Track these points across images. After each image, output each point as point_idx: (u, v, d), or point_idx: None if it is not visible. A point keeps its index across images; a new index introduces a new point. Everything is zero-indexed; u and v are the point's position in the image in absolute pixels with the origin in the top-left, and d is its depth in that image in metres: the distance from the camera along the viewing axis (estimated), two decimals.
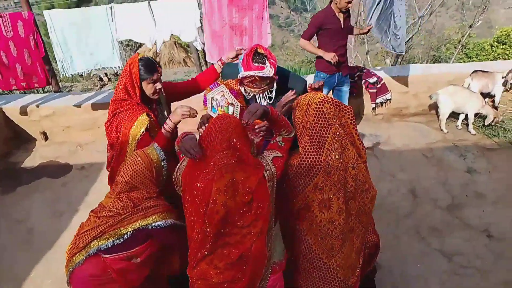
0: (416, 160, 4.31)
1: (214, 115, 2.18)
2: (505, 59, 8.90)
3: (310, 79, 4.67)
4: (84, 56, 4.77)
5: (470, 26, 10.24)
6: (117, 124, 2.36)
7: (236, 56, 2.63)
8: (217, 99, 2.15)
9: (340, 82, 4.30)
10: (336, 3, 3.93)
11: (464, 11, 10.93)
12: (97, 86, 11.32)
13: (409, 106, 5.23)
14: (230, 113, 2.15)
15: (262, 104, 2.46)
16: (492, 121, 4.54)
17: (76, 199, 4.02)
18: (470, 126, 4.68)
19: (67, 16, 4.61)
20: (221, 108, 2.14)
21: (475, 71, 4.83)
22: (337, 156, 1.84)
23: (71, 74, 4.89)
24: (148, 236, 1.99)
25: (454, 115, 4.83)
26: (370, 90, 5.01)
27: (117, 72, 9.34)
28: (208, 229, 1.65)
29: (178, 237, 2.01)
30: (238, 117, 2.11)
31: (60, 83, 6.19)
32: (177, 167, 1.94)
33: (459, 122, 4.82)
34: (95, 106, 5.03)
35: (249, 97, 2.39)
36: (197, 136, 1.89)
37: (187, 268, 1.79)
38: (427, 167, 4.18)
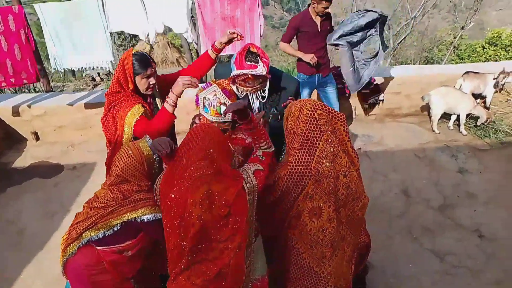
0: (409, 160, 4.33)
1: (206, 115, 2.17)
2: (496, 60, 8.99)
3: None
4: (76, 48, 4.72)
5: (462, 28, 10.31)
6: (113, 117, 2.35)
7: (228, 42, 2.57)
8: (209, 99, 2.14)
9: (322, 83, 4.30)
10: (313, 7, 3.93)
11: (456, 12, 10.99)
12: (89, 86, 11.18)
13: (401, 106, 5.25)
14: (223, 113, 2.14)
15: (255, 103, 2.47)
16: (486, 121, 4.56)
17: (67, 200, 3.99)
18: (462, 127, 4.71)
19: (58, 9, 4.57)
20: (213, 107, 2.13)
21: (467, 72, 4.86)
22: (328, 164, 1.81)
23: (64, 69, 4.84)
24: (138, 230, 1.99)
25: (446, 116, 4.85)
26: (362, 91, 5.02)
27: (109, 71, 9.30)
28: (184, 243, 1.57)
29: None
30: (230, 117, 2.10)
31: (52, 83, 6.14)
32: (158, 178, 1.93)
33: (451, 123, 4.85)
34: (87, 106, 4.98)
35: (242, 96, 2.39)
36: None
37: (167, 281, 1.71)
38: (419, 167, 4.20)
